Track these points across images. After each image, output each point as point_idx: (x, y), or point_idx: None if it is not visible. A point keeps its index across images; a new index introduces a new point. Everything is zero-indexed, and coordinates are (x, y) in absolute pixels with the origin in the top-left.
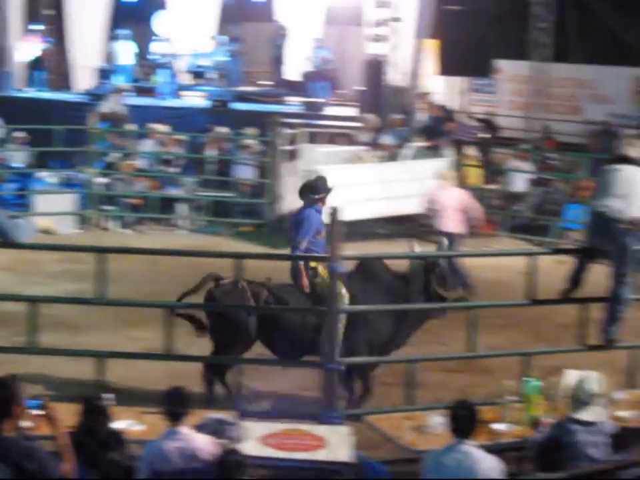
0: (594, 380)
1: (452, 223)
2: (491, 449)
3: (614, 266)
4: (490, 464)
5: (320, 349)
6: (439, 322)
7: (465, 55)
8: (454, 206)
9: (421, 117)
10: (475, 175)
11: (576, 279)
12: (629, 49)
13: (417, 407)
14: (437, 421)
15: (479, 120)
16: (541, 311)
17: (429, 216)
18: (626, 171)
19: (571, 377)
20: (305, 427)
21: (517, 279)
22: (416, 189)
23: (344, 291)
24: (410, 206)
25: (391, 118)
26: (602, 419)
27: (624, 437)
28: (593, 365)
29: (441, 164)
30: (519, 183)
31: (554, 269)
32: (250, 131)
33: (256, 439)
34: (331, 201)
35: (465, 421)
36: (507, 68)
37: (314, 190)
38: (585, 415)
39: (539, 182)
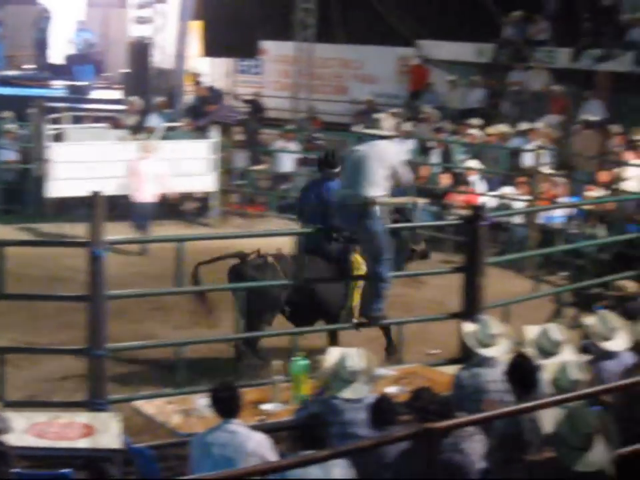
0: (355, 357)
1: (147, 193)
2: (260, 429)
3: (368, 248)
4: (258, 440)
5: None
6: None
7: (229, 36)
8: (150, 176)
9: (188, 98)
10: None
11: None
12: (392, 28)
13: (183, 391)
14: (203, 403)
15: (246, 101)
16: None
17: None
18: (364, 149)
19: (334, 355)
20: (71, 414)
21: None
22: (172, 170)
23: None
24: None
25: (156, 100)
26: (365, 395)
27: (386, 412)
28: (362, 342)
29: (204, 145)
30: (286, 163)
31: None
32: (8, 114)
33: (20, 429)
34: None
35: (228, 401)
36: (272, 49)
37: (331, 164)
38: (347, 392)
39: (305, 162)
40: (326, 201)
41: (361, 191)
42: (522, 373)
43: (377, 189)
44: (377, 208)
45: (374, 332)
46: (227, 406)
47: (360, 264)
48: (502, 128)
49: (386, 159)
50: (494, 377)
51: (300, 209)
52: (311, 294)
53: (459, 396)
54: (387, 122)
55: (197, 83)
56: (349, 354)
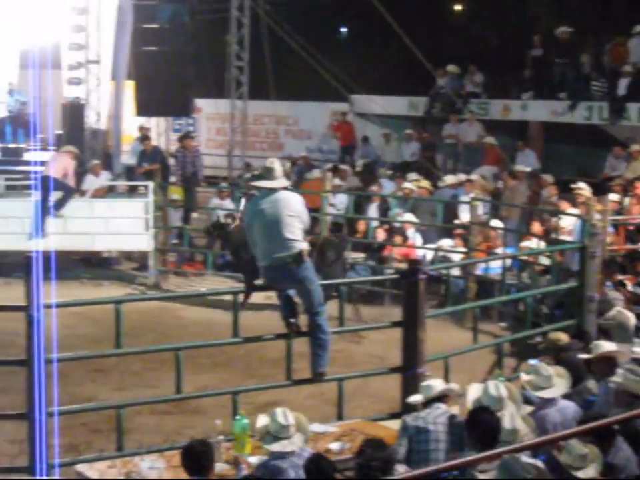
0: (284, 412)
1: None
2: None
3: (306, 302)
4: None
5: None
6: (149, 365)
7: (163, 95)
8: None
9: (125, 158)
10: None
11: (287, 312)
12: (326, 84)
13: (124, 453)
14: (146, 465)
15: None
16: (251, 348)
17: None
18: (272, 204)
19: (263, 418)
20: None
21: (227, 317)
22: (107, 229)
23: None
24: (88, 243)
25: (90, 164)
26: (295, 449)
27: (321, 469)
28: (304, 398)
29: (139, 204)
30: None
31: (263, 305)
32: None
33: None
34: None
35: (199, 459)
36: (207, 106)
37: None
38: (276, 446)
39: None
40: None
41: (290, 247)
42: (483, 427)
43: (301, 241)
44: (308, 260)
45: (316, 387)
46: (191, 466)
47: None
48: (450, 179)
49: (295, 208)
50: (435, 419)
51: None
52: None
53: (404, 439)
54: (277, 170)
55: (145, 138)
56: (278, 412)
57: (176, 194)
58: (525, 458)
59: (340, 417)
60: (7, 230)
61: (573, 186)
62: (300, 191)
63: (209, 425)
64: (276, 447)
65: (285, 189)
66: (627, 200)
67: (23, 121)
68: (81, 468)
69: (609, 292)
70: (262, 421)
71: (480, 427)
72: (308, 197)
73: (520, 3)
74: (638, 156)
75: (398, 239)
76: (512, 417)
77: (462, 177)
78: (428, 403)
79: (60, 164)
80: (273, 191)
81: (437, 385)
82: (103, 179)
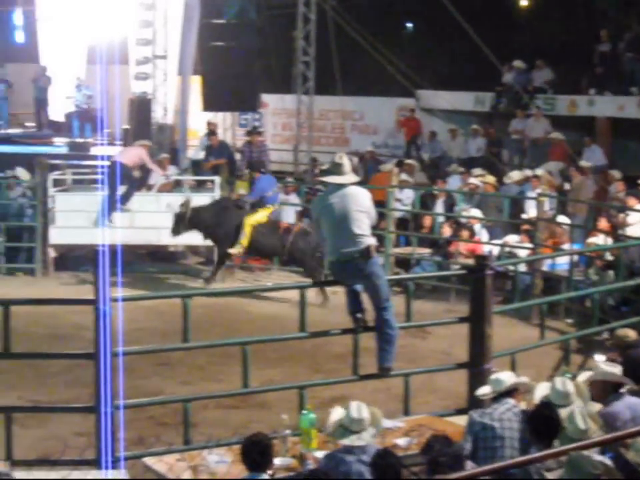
0: (359, 407)
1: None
2: None
3: (373, 298)
4: None
5: None
6: (214, 359)
7: (230, 90)
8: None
9: (192, 153)
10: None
11: (354, 307)
12: (392, 79)
13: (193, 447)
14: (214, 459)
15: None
16: (317, 342)
17: None
18: (341, 199)
19: (338, 410)
20: (80, 473)
21: (293, 312)
22: (166, 222)
23: None
24: (154, 237)
25: (158, 159)
26: (367, 444)
27: (389, 464)
28: (369, 393)
29: (206, 199)
30: (288, 215)
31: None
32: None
33: None
34: None
35: (258, 455)
36: (273, 102)
37: None
38: (348, 440)
39: (307, 214)
40: None
41: (358, 242)
42: (545, 424)
43: (370, 236)
44: (376, 256)
45: (382, 383)
46: (257, 460)
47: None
48: (516, 175)
49: (363, 204)
50: (501, 415)
51: None
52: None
53: (470, 435)
54: (346, 165)
55: (212, 133)
56: (353, 405)
57: (242, 189)
58: (594, 455)
59: (406, 413)
60: (74, 224)
61: None
62: (367, 186)
63: (275, 419)
64: (346, 441)
65: (354, 184)
66: None
67: (90, 115)
68: (149, 461)
69: None
70: (337, 414)
71: (537, 422)
72: (375, 190)
73: None
74: None
75: (464, 235)
76: (583, 415)
77: (528, 172)
78: (496, 397)
79: (134, 153)
80: (341, 186)
81: (506, 378)
82: (170, 173)
